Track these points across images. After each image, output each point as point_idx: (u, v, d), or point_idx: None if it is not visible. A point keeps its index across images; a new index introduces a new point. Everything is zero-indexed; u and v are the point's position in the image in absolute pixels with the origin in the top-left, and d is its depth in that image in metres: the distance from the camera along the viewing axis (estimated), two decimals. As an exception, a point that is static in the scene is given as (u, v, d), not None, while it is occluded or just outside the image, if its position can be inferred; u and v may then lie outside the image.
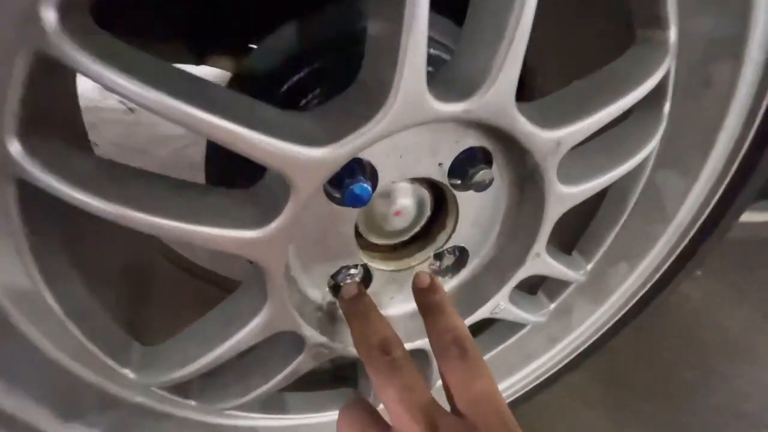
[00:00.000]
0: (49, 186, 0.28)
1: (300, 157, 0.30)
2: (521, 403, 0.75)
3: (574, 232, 0.62)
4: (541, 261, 0.50)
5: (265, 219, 0.33)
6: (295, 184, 0.31)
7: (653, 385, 1.03)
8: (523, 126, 0.36)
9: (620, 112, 0.41)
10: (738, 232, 0.58)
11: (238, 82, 0.58)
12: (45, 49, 0.24)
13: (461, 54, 0.36)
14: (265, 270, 0.35)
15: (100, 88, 0.25)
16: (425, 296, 0.43)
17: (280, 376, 0.46)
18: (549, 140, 0.38)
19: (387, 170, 0.38)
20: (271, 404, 0.56)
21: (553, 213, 0.45)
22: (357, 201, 0.37)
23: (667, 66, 0.42)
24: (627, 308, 0.68)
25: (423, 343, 0.50)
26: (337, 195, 0.38)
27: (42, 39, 0.24)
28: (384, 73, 0.30)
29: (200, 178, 0.55)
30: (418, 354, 0.51)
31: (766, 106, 0.48)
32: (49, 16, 0.24)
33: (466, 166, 0.41)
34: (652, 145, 0.47)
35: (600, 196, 0.57)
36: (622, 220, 0.58)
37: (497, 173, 0.43)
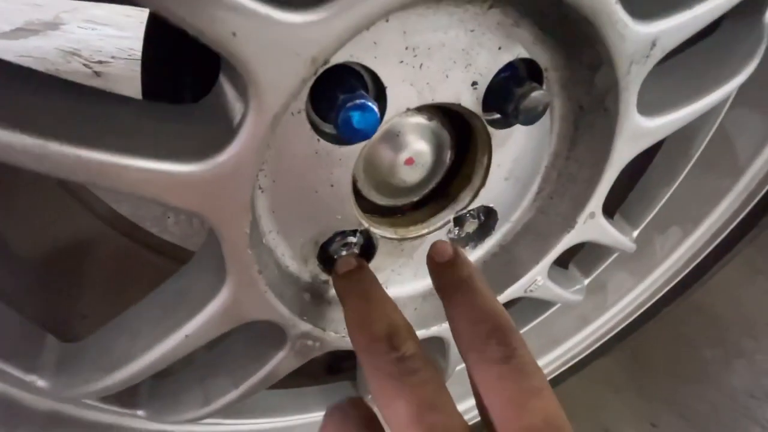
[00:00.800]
0: None
1: (261, 27, 0.17)
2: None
3: (618, 190, 0.51)
4: (596, 224, 0.38)
5: (210, 146, 0.20)
6: (257, 80, 0.18)
7: (675, 365, 0.98)
8: (612, 9, 0.23)
9: (731, 5, 0.29)
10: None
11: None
12: None
13: None
14: (218, 231, 0.23)
15: (62, 51, 0.13)
16: (447, 272, 0.31)
17: (253, 380, 0.34)
18: (642, 37, 0.25)
19: (399, 88, 0.27)
20: (245, 406, 0.45)
21: (622, 155, 0.33)
22: (357, 132, 0.25)
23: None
24: (673, 284, 0.58)
25: (440, 329, 0.39)
26: (328, 124, 0.26)
27: None
28: None
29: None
30: (433, 343, 0.42)
31: None
32: None
33: (510, 86, 0.29)
34: (752, 67, 0.35)
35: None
36: (684, 174, 0.46)
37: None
